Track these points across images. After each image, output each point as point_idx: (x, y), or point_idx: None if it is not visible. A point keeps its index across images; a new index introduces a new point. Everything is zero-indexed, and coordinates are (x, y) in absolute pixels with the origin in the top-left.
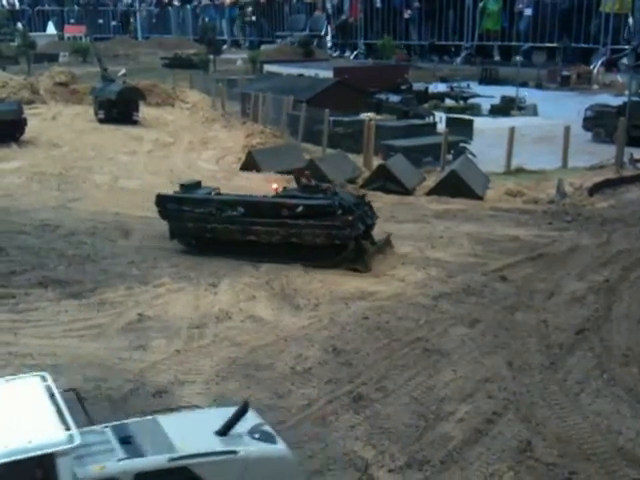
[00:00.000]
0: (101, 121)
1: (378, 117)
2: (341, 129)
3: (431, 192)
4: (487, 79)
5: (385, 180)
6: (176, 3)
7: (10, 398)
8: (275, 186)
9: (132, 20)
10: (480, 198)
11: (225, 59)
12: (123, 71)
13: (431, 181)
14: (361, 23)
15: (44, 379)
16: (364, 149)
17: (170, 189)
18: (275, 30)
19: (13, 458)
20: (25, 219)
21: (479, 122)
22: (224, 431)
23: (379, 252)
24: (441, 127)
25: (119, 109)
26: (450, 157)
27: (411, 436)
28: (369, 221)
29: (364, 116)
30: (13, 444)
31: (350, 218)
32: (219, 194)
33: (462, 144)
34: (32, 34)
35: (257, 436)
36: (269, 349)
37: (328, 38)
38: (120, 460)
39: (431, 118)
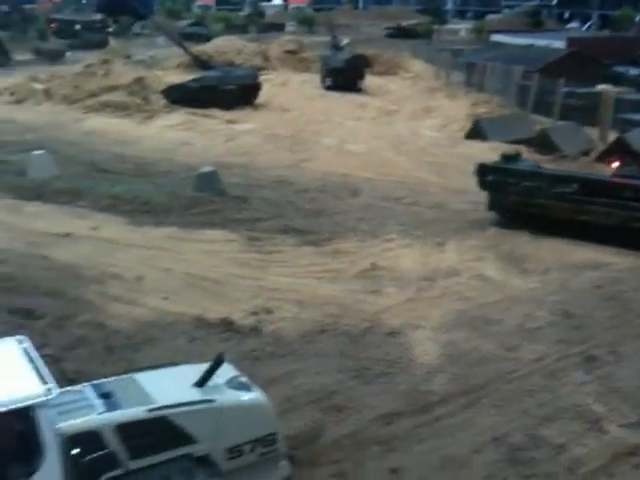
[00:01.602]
0: (328, 88)
1: (616, 90)
2: (574, 101)
3: None
4: None
5: (623, 154)
6: None
7: None
8: (616, 164)
9: None
10: None
11: (448, 29)
12: (346, 41)
13: None
14: None
15: (21, 342)
16: (600, 122)
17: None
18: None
19: None
20: (262, 175)
21: None
22: (201, 383)
23: None
24: None
25: (346, 77)
26: None
27: None
28: None
29: (600, 88)
30: None
31: None
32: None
33: None
34: (260, 4)
35: (233, 386)
36: (497, 306)
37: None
38: (100, 413)
39: None
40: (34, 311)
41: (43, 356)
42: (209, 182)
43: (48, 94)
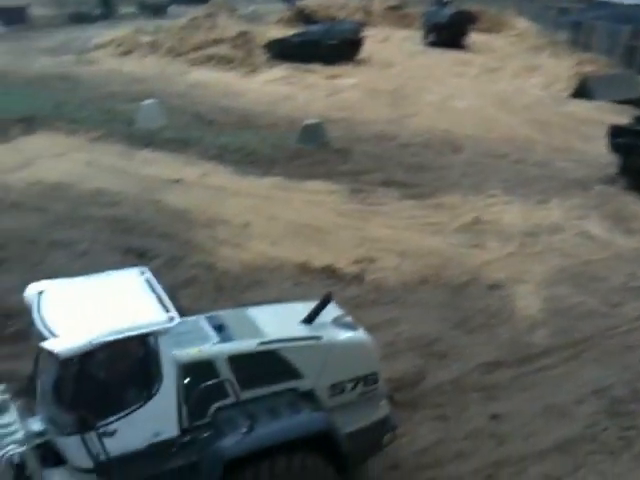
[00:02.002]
0: (430, 44)
1: None
2: None
3: None
4: None
5: None
6: None
7: (114, 289)
8: None
9: None
10: None
11: None
12: None
13: None
14: None
15: (143, 273)
16: None
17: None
18: None
19: (119, 337)
20: (364, 129)
21: None
22: (309, 320)
23: None
24: None
25: (449, 33)
26: None
27: None
28: None
29: None
30: (118, 325)
31: None
32: None
33: None
34: None
35: (339, 325)
36: (600, 264)
37: None
38: (215, 344)
39: None
40: (148, 252)
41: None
42: (313, 134)
43: (154, 46)
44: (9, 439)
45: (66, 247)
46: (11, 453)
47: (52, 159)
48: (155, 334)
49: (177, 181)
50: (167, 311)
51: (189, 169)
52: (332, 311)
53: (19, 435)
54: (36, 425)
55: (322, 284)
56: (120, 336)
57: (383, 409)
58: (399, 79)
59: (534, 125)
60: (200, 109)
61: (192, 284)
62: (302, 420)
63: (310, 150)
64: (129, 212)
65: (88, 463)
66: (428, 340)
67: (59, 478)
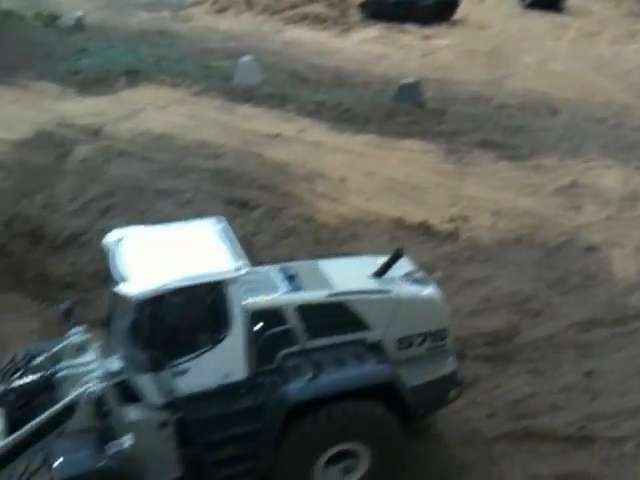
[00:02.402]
0: (527, 7)
1: None
2: None
3: None
4: None
5: None
6: None
7: (190, 237)
8: None
9: None
10: None
11: None
12: None
13: None
14: None
15: (219, 222)
16: None
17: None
18: None
19: (189, 283)
20: (460, 90)
21: None
22: (379, 274)
23: None
24: None
25: None
26: None
27: None
28: None
29: None
30: (191, 272)
31: None
32: None
33: None
34: None
35: (410, 280)
36: None
37: None
38: (284, 293)
39: None
40: (249, 202)
41: (238, 238)
42: (409, 93)
43: (249, 4)
44: (90, 376)
45: (171, 196)
46: (92, 389)
47: (156, 111)
48: (224, 282)
49: (276, 136)
50: (238, 260)
51: (287, 124)
52: (405, 266)
53: (99, 373)
54: (114, 365)
55: (417, 240)
56: (190, 283)
57: (450, 365)
58: (495, 41)
59: (634, 90)
60: (295, 67)
61: (291, 235)
62: (366, 370)
63: (406, 109)
64: (231, 164)
65: (161, 400)
66: (523, 297)
67: (135, 414)
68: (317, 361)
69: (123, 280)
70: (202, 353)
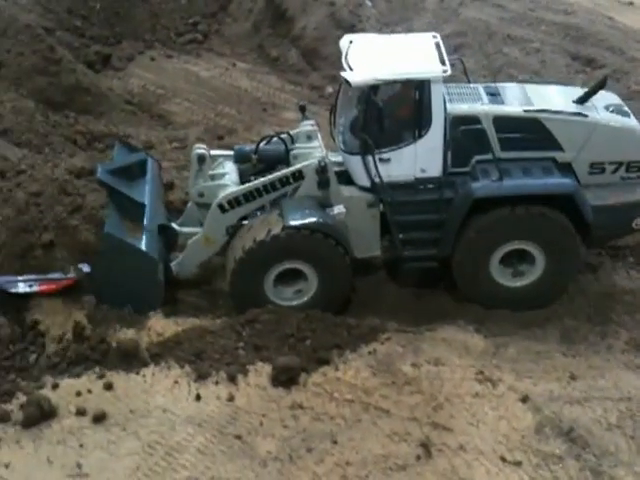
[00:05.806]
0: None
1: None
2: None
3: None
4: None
5: None
6: None
7: (408, 45)
8: None
9: None
10: None
11: None
12: None
13: None
14: None
15: (434, 37)
16: None
17: None
18: None
19: (399, 77)
20: None
21: None
22: (581, 100)
23: None
24: None
25: None
26: None
27: None
28: None
29: None
30: (403, 69)
31: None
32: None
33: None
34: None
35: (612, 110)
36: None
37: None
38: (484, 104)
39: None
40: (595, 60)
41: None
42: None
43: None
44: (317, 155)
45: (519, 43)
46: (317, 161)
47: None
48: (429, 80)
49: (630, 4)
50: (444, 65)
51: None
52: (609, 98)
53: (324, 154)
54: (335, 157)
55: None
56: (401, 76)
57: (639, 194)
58: None
59: None
60: None
61: (633, 99)
62: (550, 181)
63: None
64: (581, 22)
65: (367, 182)
66: None
67: (349, 191)
68: (506, 168)
69: (348, 69)
70: (404, 146)
